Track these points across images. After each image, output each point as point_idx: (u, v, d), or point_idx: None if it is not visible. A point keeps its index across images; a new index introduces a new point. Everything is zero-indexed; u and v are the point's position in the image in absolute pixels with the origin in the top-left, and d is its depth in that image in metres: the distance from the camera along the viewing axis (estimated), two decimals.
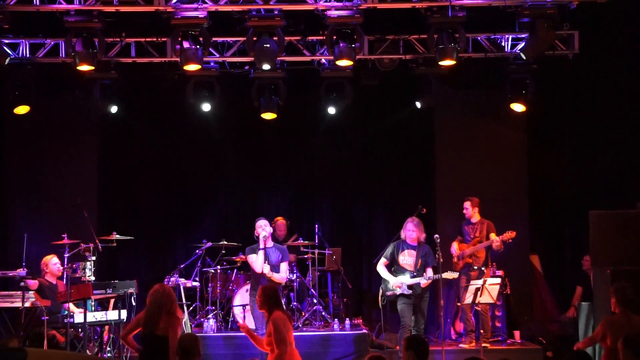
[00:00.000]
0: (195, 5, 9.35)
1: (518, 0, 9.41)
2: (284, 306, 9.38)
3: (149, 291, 6.99)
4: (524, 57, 10.23)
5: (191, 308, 10.67)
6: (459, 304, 10.37)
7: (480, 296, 9.02)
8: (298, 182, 12.35)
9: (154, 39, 10.34)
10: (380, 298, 9.60)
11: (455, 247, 10.47)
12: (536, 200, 11.59)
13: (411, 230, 9.35)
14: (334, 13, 9.43)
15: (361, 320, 10.90)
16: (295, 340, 9.73)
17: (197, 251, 10.73)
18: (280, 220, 11.37)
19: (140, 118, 11.89)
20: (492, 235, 10.14)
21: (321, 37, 10.27)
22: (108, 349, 9.53)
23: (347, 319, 10.63)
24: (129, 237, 10.41)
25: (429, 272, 9.28)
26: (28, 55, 10.29)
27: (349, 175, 12.30)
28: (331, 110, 11.24)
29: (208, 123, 11.60)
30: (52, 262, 9.61)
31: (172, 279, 10.26)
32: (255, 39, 9.53)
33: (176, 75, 10.74)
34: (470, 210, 10.44)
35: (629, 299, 7.42)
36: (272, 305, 7.19)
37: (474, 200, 10.46)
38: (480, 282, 9.16)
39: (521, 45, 10.32)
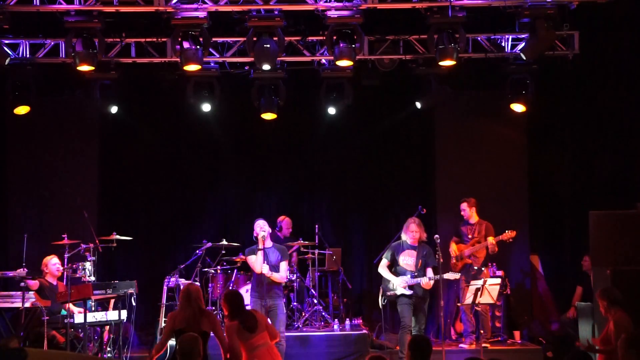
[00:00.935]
0: (195, 6, 9.35)
1: (518, 1, 9.41)
2: (283, 307, 9.44)
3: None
4: (524, 57, 10.22)
5: None
6: (459, 304, 10.37)
7: (480, 296, 9.01)
8: (298, 182, 12.34)
9: (154, 39, 10.34)
10: (380, 298, 9.58)
11: (453, 248, 10.47)
12: (536, 200, 11.59)
13: (414, 231, 9.32)
14: (334, 13, 9.42)
15: (361, 321, 10.90)
16: (295, 341, 9.87)
17: (197, 251, 10.72)
18: (285, 218, 11.37)
19: (140, 118, 11.88)
20: (490, 238, 10.12)
21: (321, 37, 10.27)
22: (108, 349, 9.52)
23: (347, 319, 10.64)
24: (129, 237, 10.40)
25: (430, 272, 9.27)
26: (28, 56, 10.28)
27: (349, 176, 12.29)
28: (331, 110, 11.24)
29: (208, 123, 11.59)
30: (52, 263, 9.60)
31: (172, 279, 10.25)
32: (255, 39, 9.53)
33: (176, 76, 10.73)
34: (468, 211, 10.45)
35: (619, 299, 7.51)
36: (230, 312, 7.35)
37: (470, 201, 10.46)
38: (480, 282, 9.16)
39: (521, 45, 10.31)
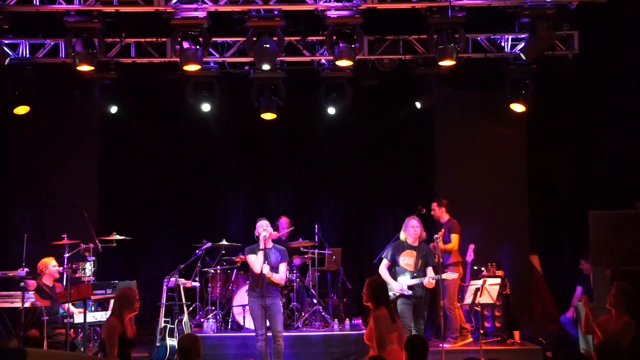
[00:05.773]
0: (195, 6, 9.35)
1: (518, 1, 9.42)
2: (281, 307, 9.44)
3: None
4: (524, 57, 10.24)
5: (191, 308, 10.66)
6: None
7: (480, 296, 9.01)
8: (298, 182, 12.36)
9: (154, 39, 10.35)
10: None
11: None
12: (536, 200, 11.59)
13: (414, 227, 9.24)
14: (333, 13, 9.42)
15: (361, 320, 10.89)
16: (295, 341, 9.89)
17: (197, 251, 10.73)
18: (283, 218, 11.37)
19: (140, 118, 11.90)
20: (454, 236, 10.09)
21: (321, 37, 10.28)
22: None
23: (347, 319, 10.64)
24: (129, 237, 10.41)
25: (430, 272, 9.24)
26: (28, 56, 10.29)
27: (349, 176, 12.30)
28: (331, 110, 11.25)
29: (208, 123, 11.61)
30: (52, 265, 9.57)
31: (172, 279, 10.25)
32: (255, 39, 9.54)
33: (176, 76, 10.74)
34: (437, 211, 10.42)
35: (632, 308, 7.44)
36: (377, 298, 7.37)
37: (440, 202, 10.43)
38: (480, 282, 9.15)
39: (521, 45, 10.32)
